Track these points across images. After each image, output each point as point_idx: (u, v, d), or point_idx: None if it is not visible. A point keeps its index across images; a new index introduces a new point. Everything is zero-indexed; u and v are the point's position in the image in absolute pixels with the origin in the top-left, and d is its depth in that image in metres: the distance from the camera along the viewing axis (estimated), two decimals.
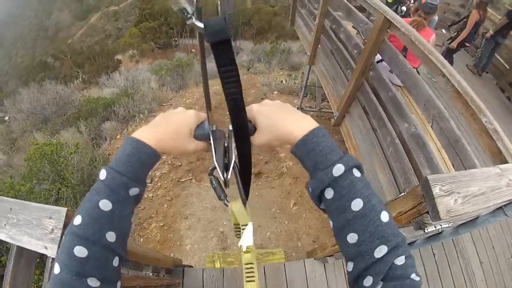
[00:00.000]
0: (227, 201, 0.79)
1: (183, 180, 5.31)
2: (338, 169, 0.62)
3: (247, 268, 0.76)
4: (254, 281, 0.75)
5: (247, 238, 0.75)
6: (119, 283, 0.64)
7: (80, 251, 0.58)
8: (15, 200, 1.34)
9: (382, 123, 2.83)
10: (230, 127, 0.71)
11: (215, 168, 0.72)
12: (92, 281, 0.57)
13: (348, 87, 3.38)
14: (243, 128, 0.69)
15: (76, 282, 0.56)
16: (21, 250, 1.40)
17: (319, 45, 4.68)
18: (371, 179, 2.92)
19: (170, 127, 0.73)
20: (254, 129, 0.74)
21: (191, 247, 4.34)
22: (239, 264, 3.38)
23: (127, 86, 9.94)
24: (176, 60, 12.66)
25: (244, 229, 0.76)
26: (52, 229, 1.19)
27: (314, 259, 3.08)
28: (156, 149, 0.68)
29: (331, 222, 0.67)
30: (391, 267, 0.57)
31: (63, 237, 0.61)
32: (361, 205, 0.61)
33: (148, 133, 0.70)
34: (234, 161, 0.72)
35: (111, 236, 0.61)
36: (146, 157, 0.67)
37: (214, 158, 0.71)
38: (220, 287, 2.90)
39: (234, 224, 0.82)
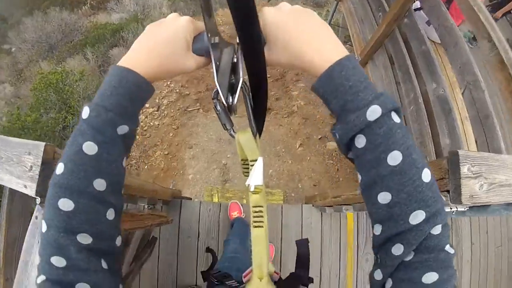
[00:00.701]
0: (233, 131, 0.66)
1: (190, 109, 5.15)
2: (374, 112, 0.50)
3: (255, 212, 0.64)
4: (262, 226, 0.64)
5: (256, 176, 0.62)
6: (118, 239, 0.58)
7: (65, 204, 0.51)
8: None
9: (407, 77, 2.57)
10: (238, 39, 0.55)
11: None
12: (83, 238, 0.51)
13: (376, 31, 3.05)
14: (254, 39, 0.51)
15: (64, 239, 0.50)
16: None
17: None
18: None
19: (160, 45, 0.59)
20: (264, 41, 0.58)
21: (193, 176, 4.33)
22: (237, 200, 3.41)
23: (136, 11, 9.46)
24: None
25: (253, 165, 0.64)
26: (31, 166, 1.09)
27: (313, 205, 3.04)
28: (148, 76, 0.57)
29: (359, 176, 0.56)
30: (426, 237, 0.49)
31: (48, 190, 0.53)
32: (400, 158, 0.50)
33: (135, 59, 0.58)
34: (244, 82, 0.59)
35: (100, 184, 0.53)
36: (136, 88, 0.56)
37: (215, 77, 0.57)
38: (216, 221, 2.96)
39: (242, 160, 0.70)
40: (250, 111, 0.65)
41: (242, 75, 0.57)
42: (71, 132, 4.72)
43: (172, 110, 5.16)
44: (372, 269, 0.57)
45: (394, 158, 0.50)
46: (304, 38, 0.55)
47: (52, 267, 0.50)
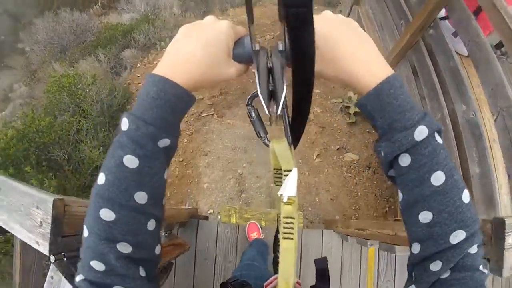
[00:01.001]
0: (267, 139, 0.66)
1: (205, 115, 5.09)
2: (421, 132, 0.50)
3: (286, 223, 0.60)
4: (292, 238, 0.60)
5: (289, 187, 0.59)
6: (158, 247, 0.59)
7: (107, 215, 0.51)
8: (3, 178, 1.19)
9: (434, 95, 2.42)
10: (280, 47, 0.57)
11: (255, 96, 0.57)
12: (123, 247, 0.52)
13: (399, 42, 2.90)
14: (308, 52, 0.46)
15: (104, 247, 0.51)
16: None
17: None
18: None
19: (202, 51, 0.55)
20: None
21: (208, 186, 4.27)
22: (256, 221, 3.33)
23: (147, 12, 9.36)
24: None
25: (286, 175, 0.60)
26: (41, 222, 1.03)
27: (334, 231, 2.95)
28: (188, 86, 0.54)
29: (401, 195, 0.57)
30: (464, 256, 0.50)
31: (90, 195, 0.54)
32: (443, 179, 0.51)
33: (174, 66, 0.55)
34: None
35: (141, 197, 0.53)
36: (177, 100, 0.53)
37: (258, 87, 0.54)
38: (233, 243, 2.89)
39: (274, 169, 0.68)
40: (287, 120, 0.62)
41: (285, 84, 0.53)
42: (85, 135, 4.79)
43: (186, 116, 5.02)
44: (405, 285, 0.58)
45: (438, 178, 0.51)
46: (352, 53, 0.55)
47: (91, 269, 0.51)
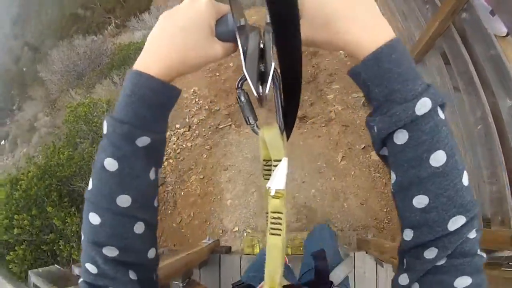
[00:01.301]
0: (257, 126, 0.60)
1: (222, 126, 4.97)
2: (424, 106, 0.44)
3: (274, 218, 0.57)
4: (279, 235, 0.57)
5: (278, 179, 0.56)
6: (151, 251, 0.58)
7: (94, 219, 0.52)
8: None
9: (472, 89, 2.08)
10: (268, 19, 0.47)
11: (245, 78, 0.50)
12: (109, 250, 0.52)
13: (426, 31, 2.54)
14: (289, 16, 0.40)
15: (91, 250, 0.52)
16: None
17: None
18: None
19: (180, 34, 0.51)
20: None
21: (231, 202, 4.15)
22: None
23: None
24: None
25: (276, 165, 0.57)
26: None
27: (366, 253, 2.71)
28: (168, 75, 0.51)
29: (393, 175, 0.51)
30: (463, 241, 0.45)
31: None
32: (444, 159, 0.44)
33: (152, 56, 0.51)
34: (275, 69, 0.50)
35: (124, 201, 0.52)
36: (152, 93, 0.50)
37: (244, 64, 0.49)
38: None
39: (264, 160, 0.64)
40: (280, 103, 0.57)
41: (273, 61, 0.49)
42: None
43: (203, 129, 5.00)
44: (396, 274, 0.55)
45: (438, 158, 0.45)
46: (348, 14, 0.47)
47: (87, 272, 0.53)
